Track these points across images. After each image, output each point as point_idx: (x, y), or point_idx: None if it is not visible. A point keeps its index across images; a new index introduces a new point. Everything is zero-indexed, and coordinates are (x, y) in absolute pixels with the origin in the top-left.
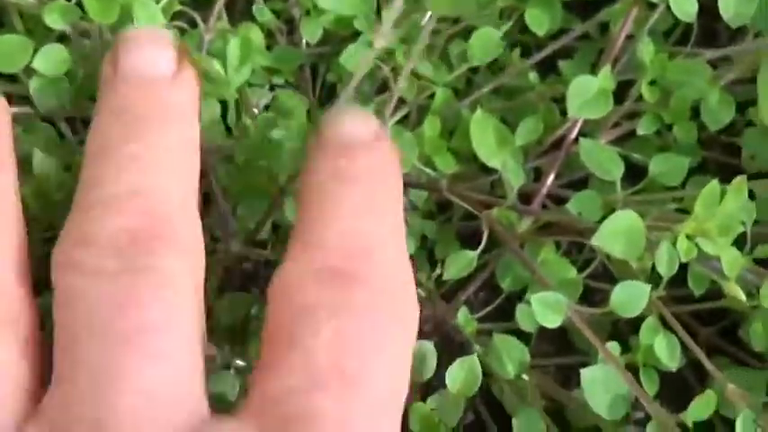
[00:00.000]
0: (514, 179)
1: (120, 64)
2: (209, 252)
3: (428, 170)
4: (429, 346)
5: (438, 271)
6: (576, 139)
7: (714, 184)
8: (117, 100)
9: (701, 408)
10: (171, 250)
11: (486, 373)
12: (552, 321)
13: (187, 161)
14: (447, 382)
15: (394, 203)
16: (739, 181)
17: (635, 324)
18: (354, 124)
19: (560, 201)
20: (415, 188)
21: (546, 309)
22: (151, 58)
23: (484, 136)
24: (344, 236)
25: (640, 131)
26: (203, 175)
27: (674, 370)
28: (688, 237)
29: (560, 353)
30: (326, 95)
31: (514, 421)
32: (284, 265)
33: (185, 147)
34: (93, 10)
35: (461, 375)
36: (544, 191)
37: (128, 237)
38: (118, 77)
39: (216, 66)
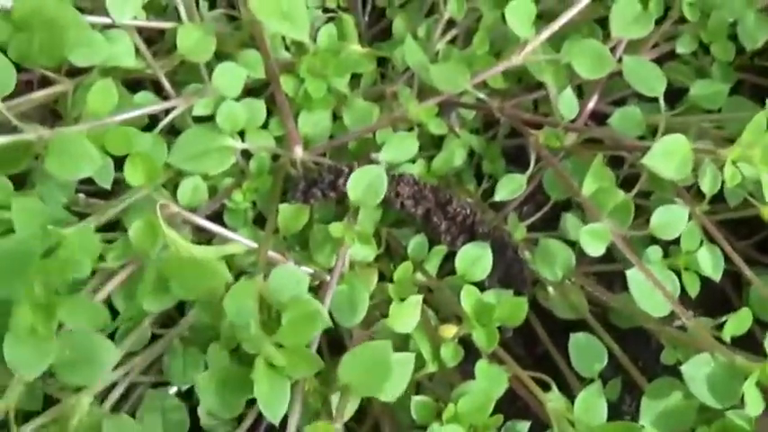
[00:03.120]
0: (565, 107)
1: None
2: (274, 158)
3: (478, 93)
4: (484, 247)
5: (485, 185)
6: (620, 60)
7: (762, 114)
8: None
9: (738, 322)
10: None
11: (533, 282)
12: (598, 250)
13: None
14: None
15: None
16: None
17: None
18: None
19: (602, 121)
20: (465, 107)
21: (593, 238)
22: None
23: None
24: None
25: (680, 50)
26: (268, 84)
27: (716, 280)
28: (733, 161)
29: (603, 262)
30: (375, 19)
31: (573, 338)
32: None
33: None
34: None
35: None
36: (589, 108)
37: None
38: None
39: None
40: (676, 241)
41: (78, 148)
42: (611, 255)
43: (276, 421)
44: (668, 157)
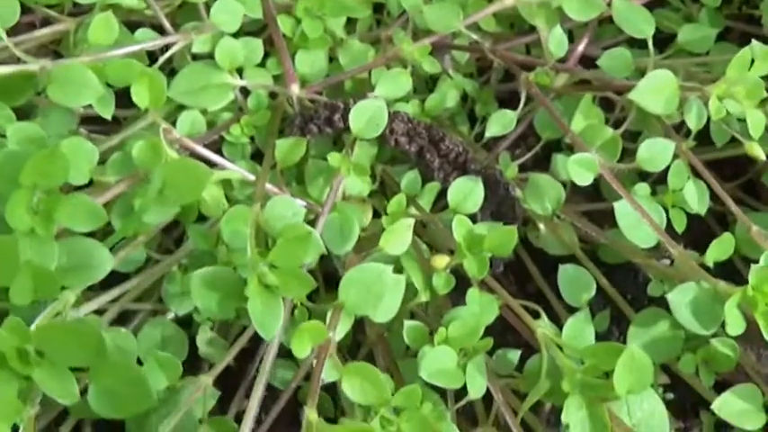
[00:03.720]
0: (555, 45)
1: None
2: (271, 95)
3: (471, 34)
4: (476, 181)
5: (478, 128)
6: (609, 4)
7: (746, 50)
8: None
9: (720, 248)
10: None
11: (525, 222)
12: (585, 179)
13: None
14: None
15: None
16: (767, 50)
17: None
18: None
19: (592, 65)
20: (459, 50)
21: (581, 167)
22: None
23: None
24: None
25: None
26: (267, 25)
27: (702, 214)
28: (718, 97)
29: (593, 201)
30: None
31: (561, 268)
32: None
33: None
34: None
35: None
36: (579, 50)
37: None
38: None
39: None
40: (664, 182)
41: (80, 77)
42: (600, 194)
43: (269, 338)
44: (655, 92)
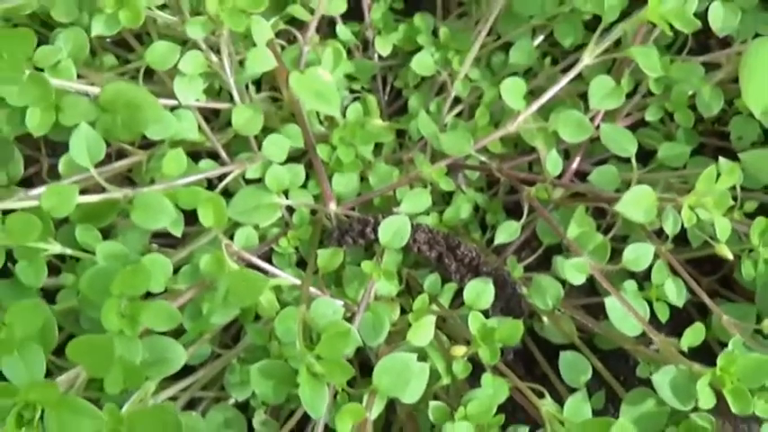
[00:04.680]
0: (551, 165)
1: None
2: (312, 212)
3: (480, 156)
4: (487, 281)
5: (488, 235)
6: (598, 127)
7: (712, 167)
8: None
9: (694, 335)
10: None
11: (531, 315)
12: (578, 279)
13: None
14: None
15: None
16: (732, 165)
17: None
18: None
19: (585, 178)
20: (470, 169)
21: (574, 270)
22: None
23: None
24: None
25: (648, 118)
26: (306, 152)
27: (680, 306)
28: (690, 207)
29: (589, 295)
30: (394, 98)
31: (562, 354)
32: None
33: None
34: (230, 22)
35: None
36: (573, 167)
37: None
38: None
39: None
40: (649, 278)
41: (158, 204)
42: (595, 289)
43: (317, 417)
44: (637, 203)
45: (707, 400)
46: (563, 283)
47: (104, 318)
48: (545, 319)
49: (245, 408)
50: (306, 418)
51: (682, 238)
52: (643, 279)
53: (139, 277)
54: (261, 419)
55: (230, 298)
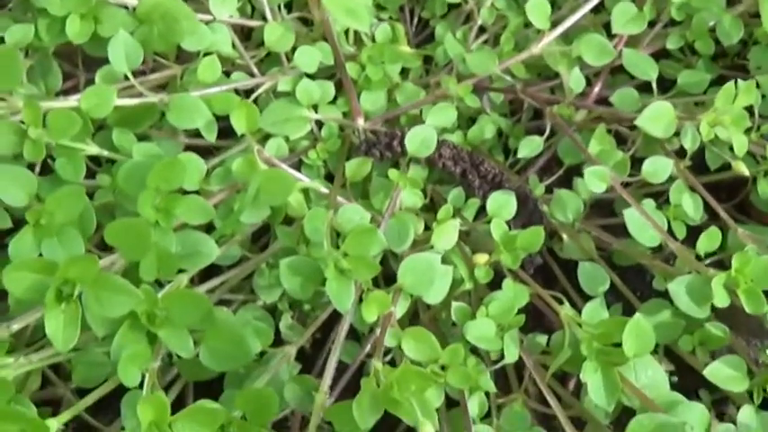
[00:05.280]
0: (574, 82)
1: None
2: (341, 127)
3: (506, 76)
4: (510, 194)
5: (511, 159)
6: (620, 54)
7: (731, 84)
8: None
9: (709, 240)
10: None
11: (551, 235)
12: (599, 188)
13: None
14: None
15: None
16: (749, 84)
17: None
18: None
19: (607, 105)
20: (495, 91)
21: (595, 178)
22: None
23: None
24: None
25: (669, 46)
26: (335, 74)
27: (697, 222)
28: (708, 124)
29: (608, 216)
30: (422, 29)
31: (581, 265)
32: None
33: None
34: None
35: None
36: (595, 91)
37: None
38: None
39: None
40: (667, 202)
41: (192, 105)
42: (614, 213)
43: (344, 310)
44: (656, 119)
45: (722, 299)
46: (583, 204)
47: (140, 208)
48: (565, 236)
49: (272, 312)
50: (330, 323)
51: (700, 165)
52: (659, 204)
53: (175, 171)
54: (288, 323)
55: (261, 196)
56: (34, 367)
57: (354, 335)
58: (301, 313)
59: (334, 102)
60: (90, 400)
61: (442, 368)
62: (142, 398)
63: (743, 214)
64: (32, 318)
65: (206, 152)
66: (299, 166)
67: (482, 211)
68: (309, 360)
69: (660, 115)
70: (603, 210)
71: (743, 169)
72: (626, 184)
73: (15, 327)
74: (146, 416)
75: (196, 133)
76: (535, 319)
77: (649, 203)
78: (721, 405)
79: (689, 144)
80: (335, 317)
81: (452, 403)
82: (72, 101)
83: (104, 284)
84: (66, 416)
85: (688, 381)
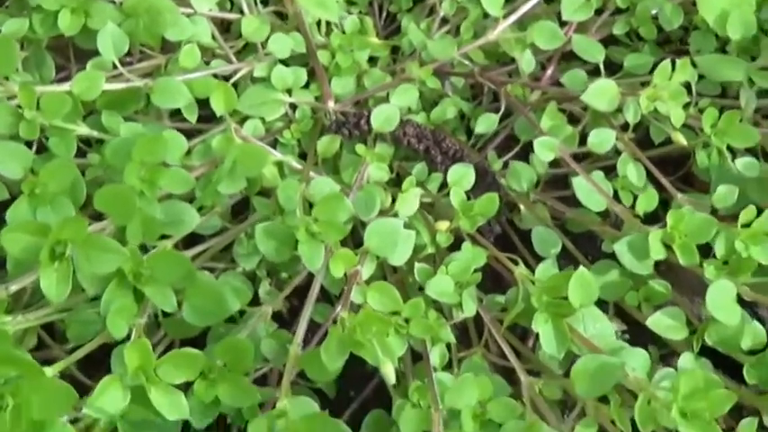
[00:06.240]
0: (526, 63)
1: None
2: (313, 110)
3: (466, 62)
4: (469, 167)
5: (473, 141)
6: (570, 40)
7: (667, 62)
8: None
9: (646, 201)
10: None
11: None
12: (547, 156)
13: None
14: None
15: None
16: (683, 62)
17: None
18: None
19: (559, 86)
20: (455, 75)
21: (544, 148)
22: None
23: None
24: None
25: (616, 32)
26: (308, 58)
27: (641, 190)
28: (648, 98)
29: (562, 189)
30: (389, 23)
31: (534, 230)
32: None
33: None
34: None
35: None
36: (548, 73)
37: None
38: None
39: None
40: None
41: (174, 88)
42: (568, 186)
43: (315, 269)
44: (600, 94)
45: (658, 252)
46: (538, 179)
47: (126, 179)
48: (522, 207)
49: (252, 280)
50: (305, 290)
51: (646, 141)
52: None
53: (158, 146)
54: (266, 289)
55: (237, 168)
56: (31, 325)
57: (327, 299)
58: (279, 281)
59: (306, 87)
60: (82, 353)
61: (406, 321)
62: (128, 344)
63: (687, 185)
64: (29, 280)
65: (189, 135)
66: (274, 145)
67: (445, 185)
68: (287, 325)
69: (604, 91)
70: (559, 184)
71: (681, 139)
72: (579, 160)
73: (13, 288)
74: (132, 360)
75: (179, 118)
76: (494, 282)
77: (598, 174)
78: (668, 359)
79: (631, 117)
80: (310, 282)
81: (418, 357)
82: (64, 86)
83: (93, 244)
84: (59, 366)
85: (638, 339)
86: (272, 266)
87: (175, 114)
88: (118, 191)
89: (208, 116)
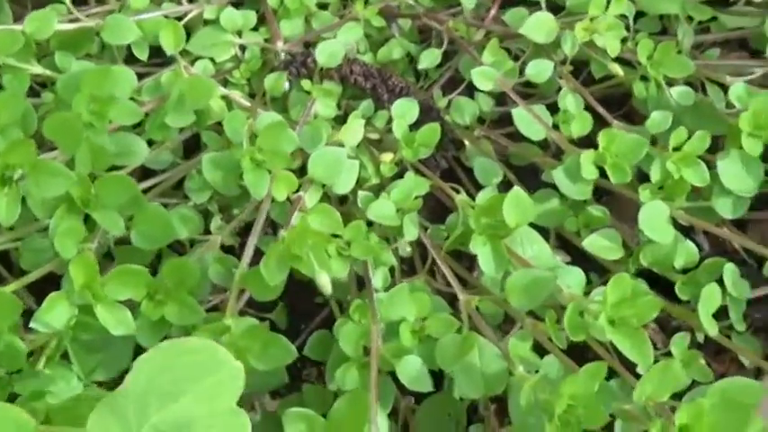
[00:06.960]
0: (468, 2)
1: None
2: (263, 50)
3: (412, 2)
4: (414, 102)
5: (421, 83)
6: None
7: None
8: None
9: (579, 125)
10: None
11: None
12: (487, 86)
13: None
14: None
15: None
16: None
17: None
18: None
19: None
20: (402, 17)
21: (483, 78)
22: None
23: None
24: None
25: None
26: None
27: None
28: (584, 29)
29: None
30: None
31: (476, 161)
32: None
33: None
34: None
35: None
36: (492, 13)
37: None
38: None
39: None
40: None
41: (124, 24)
42: (512, 122)
43: (260, 196)
44: (538, 27)
45: (589, 172)
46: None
47: (75, 109)
48: (467, 142)
49: (205, 217)
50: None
51: (588, 80)
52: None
53: (108, 79)
54: (217, 224)
55: (185, 100)
56: None
57: (276, 233)
58: (231, 216)
59: (256, 30)
60: (33, 276)
61: (348, 245)
62: (72, 259)
63: (629, 122)
64: None
65: (141, 77)
66: (225, 85)
67: (391, 121)
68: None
69: (542, 23)
70: (504, 123)
71: (618, 70)
72: (524, 98)
73: None
74: (78, 277)
75: (133, 61)
76: (439, 217)
77: (540, 107)
78: None
79: (569, 49)
80: None
81: (363, 286)
82: (17, 26)
83: (42, 169)
84: (12, 287)
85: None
86: (223, 202)
87: (130, 60)
88: (65, 118)
89: (161, 62)
